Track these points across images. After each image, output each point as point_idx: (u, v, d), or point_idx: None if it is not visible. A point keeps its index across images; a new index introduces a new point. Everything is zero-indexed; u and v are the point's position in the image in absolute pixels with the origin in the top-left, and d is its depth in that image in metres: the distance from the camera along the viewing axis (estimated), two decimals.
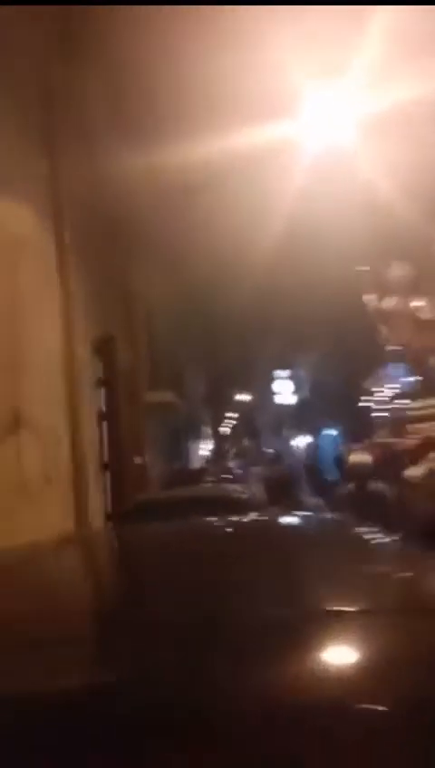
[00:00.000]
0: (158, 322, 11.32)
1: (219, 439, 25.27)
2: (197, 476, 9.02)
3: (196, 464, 15.21)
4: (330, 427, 22.64)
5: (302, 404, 23.86)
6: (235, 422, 29.26)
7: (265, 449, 27.04)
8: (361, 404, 9.95)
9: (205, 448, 18.97)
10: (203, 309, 11.70)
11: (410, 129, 6.31)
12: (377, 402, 9.47)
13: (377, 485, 5.62)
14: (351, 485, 5.72)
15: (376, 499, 5.36)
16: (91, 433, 6.54)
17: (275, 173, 6.77)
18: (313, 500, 5.41)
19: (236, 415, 28.79)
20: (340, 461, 13.58)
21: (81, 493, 5.48)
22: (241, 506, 4.26)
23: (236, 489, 5.36)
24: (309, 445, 23.23)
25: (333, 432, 22.42)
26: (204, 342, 14.31)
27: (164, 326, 11.89)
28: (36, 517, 4.59)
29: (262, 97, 5.89)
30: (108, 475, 7.61)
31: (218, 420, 25.87)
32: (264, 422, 30.03)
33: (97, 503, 6.38)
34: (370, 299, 9.22)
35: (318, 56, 5.68)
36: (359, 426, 10.48)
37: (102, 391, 7.85)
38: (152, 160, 6.38)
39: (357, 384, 10.44)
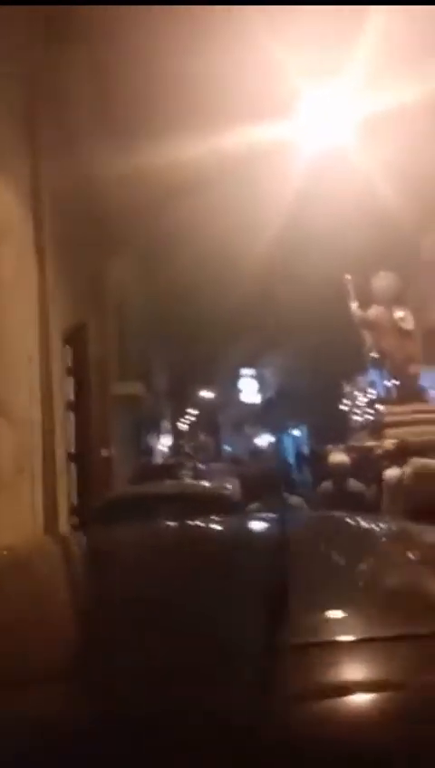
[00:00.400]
0: (128, 314, 11.23)
1: (179, 435, 25.21)
2: (167, 471, 8.95)
3: (160, 458, 15.13)
4: (293, 427, 22.90)
5: (266, 403, 24.01)
6: (195, 418, 29.23)
7: (225, 447, 27.10)
8: (337, 407, 10.08)
9: (165, 443, 18.90)
10: (178, 305, 11.67)
11: (408, 131, 6.37)
12: (356, 406, 9.59)
13: (357, 485, 5.77)
14: (329, 484, 5.83)
15: (355, 499, 5.51)
16: (61, 423, 6.44)
17: (268, 175, 6.74)
18: (293, 498, 5.42)
19: (196, 412, 28.77)
20: (303, 460, 13.73)
21: (51, 484, 5.40)
22: (228, 504, 4.20)
23: (219, 486, 5.30)
24: (270, 444, 23.46)
25: (297, 432, 22.68)
26: (172, 337, 14.28)
27: (135, 318, 11.81)
28: (8, 505, 4.50)
29: (256, 96, 5.85)
30: (73, 466, 7.51)
31: (181, 416, 25.82)
32: (225, 419, 30.10)
33: (64, 494, 6.28)
34: (355, 307, 9.40)
35: (315, 56, 5.66)
36: (333, 428, 10.60)
37: (72, 381, 7.74)
38: (140, 158, 6.28)
39: (333, 387, 10.57)
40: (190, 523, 1.93)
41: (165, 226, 8.19)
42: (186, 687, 0.77)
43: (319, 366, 14.14)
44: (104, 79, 5.81)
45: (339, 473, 5.79)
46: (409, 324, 9.56)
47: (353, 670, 0.82)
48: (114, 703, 0.76)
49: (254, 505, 5.08)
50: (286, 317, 12.50)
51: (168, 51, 5.57)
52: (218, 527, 1.96)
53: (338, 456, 6.06)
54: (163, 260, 9.52)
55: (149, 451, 14.56)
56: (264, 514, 2.57)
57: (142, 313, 12.29)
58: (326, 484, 5.93)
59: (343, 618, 0.98)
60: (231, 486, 5.18)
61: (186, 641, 0.90)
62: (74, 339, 7.52)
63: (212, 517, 2.05)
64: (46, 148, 5.68)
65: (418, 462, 4.89)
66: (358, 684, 0.77)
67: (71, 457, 7.21)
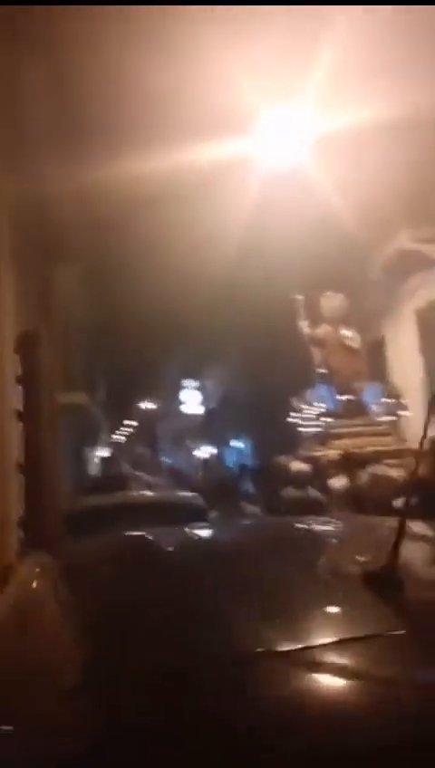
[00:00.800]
0: (74, 323, 11.08)
1: (122, 447, 24.92)
2: (117, 483, 8.83)
3: (105, 470, 14.92)
4: (235, 439, 23.05)
5: (209, 415, 24.09)
6: (133, 430, 28.92)
7: (165, 459, 26.94)
8: (283, 419, 10.39)
9: (109, 455, 18.66)
10: (123, 315, 11.62)
11: (359, 150, 6.61)
12: (303, 419, 9.91)
13: (316, 493, 6.02)
14: (293, 491, 6.05)
15: (317, 505, 5.74)
16: (14, 434, 6.28)
17: (226, 191, 6.83)
18: (249, 507, 5.53)
19: (135, 423, 28.47)
20: (248, 470, 13.94)
21: (5, 495, 5.24)
22: (194, 512, 4.22)
23: (190, 495, 5.34)
24: (211, 456, 23.53)
25: (240, 444, 22.84)
26: (116, 347, 14.17)
27: (80, 327, 11.67)
28: None
29: (214, 112, 5.93)
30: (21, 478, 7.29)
31: (123, 426, 25.52)
32: (165, 432, 29.93)
33: (16, 507, 6.11)
34: (305, 325, 9.81)
35: (274, 74, 5.80)
36: (279, 439, 10.86)
37: (20, 390, 7.54)
38: (98, 172, 6.24)
39: (280, 400, 10.86)
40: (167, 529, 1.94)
41: (117, 239, 8.20)
42: (184, 695, 0.77)
43: (265, 380, 14.39)
44: (63, 89, 5.75)
45: (302, 480, 6.06)
46: (355, 342, 10.02)
47: (335, 671, 0.85)
48: (118, 713, 0.76)
49: (213, 514, 5.11)
50: (237, 332, 12.65)
51: (129, 65, 5.58)
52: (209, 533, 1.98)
53: (298, 465, 6.30)
54: (111, 272, 9.51)
55: (95, 463, 14.34)
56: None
57: (87, 322, 12.16)
58: (287, 491, 6.13)
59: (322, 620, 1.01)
60: (197, 495, 5.22)
61: (182, 648, 0.90)
62: (24, 346, 7.36)
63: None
64: (1, 155, 5.58)
65: (375, 470, 5.14)
66: (337, 683, 0.81)
67: (19, 468, 7.01)
